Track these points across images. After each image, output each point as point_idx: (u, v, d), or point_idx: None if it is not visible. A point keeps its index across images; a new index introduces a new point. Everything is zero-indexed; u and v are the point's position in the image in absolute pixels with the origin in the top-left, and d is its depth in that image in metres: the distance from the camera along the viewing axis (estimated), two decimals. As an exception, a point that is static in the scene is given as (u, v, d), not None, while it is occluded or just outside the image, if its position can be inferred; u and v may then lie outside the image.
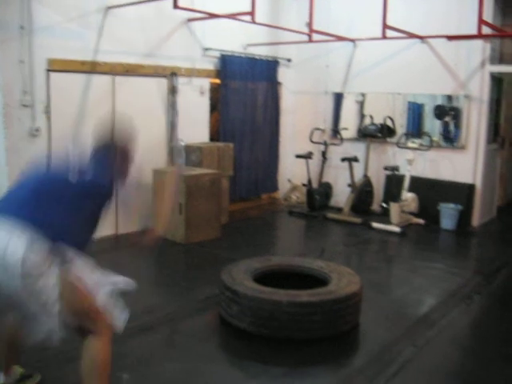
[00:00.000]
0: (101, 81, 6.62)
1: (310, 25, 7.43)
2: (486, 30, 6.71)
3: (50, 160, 3.08)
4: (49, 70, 6.07)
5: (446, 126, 7.99)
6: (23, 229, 2.58)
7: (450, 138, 7.96)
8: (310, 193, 8.59)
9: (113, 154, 3.03)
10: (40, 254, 2.61)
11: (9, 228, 2.58)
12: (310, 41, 7.76)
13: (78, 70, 6.32)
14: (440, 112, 8.00)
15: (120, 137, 3.11)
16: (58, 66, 6.12)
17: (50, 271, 2.65)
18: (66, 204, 2.78)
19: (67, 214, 2.78)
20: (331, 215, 8.25)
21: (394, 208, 7.62)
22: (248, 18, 6.62)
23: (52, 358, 3.60)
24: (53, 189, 2.80)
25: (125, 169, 3.11)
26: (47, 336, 2.68)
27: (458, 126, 7.86)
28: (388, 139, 8.45)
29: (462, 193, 7.79)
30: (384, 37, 6.94)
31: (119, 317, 3.01)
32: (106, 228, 6.74)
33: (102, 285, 2.95)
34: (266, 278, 4.53)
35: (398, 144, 8.05)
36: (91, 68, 6.47)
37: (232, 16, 6.91)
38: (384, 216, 7.86)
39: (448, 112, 7.92)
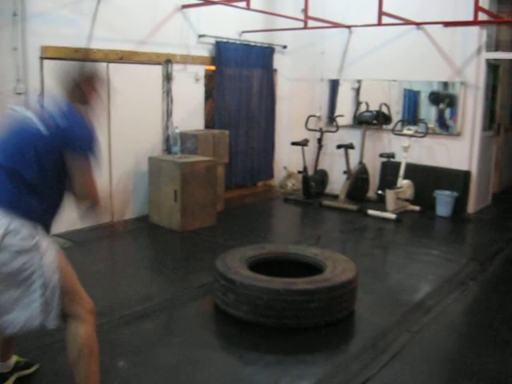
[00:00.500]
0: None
1: (305, 11, 7.40)
2: (482, 17, 6.70)
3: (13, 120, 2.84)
4: (42, 58, 6.02)
5: (441, 112, 7.99)
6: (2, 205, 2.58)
7: (445, 125, 7.96)
8: (306, 180, 8.59)
9: (79, 90, 2.86)
10: (23, 229, 2.59)
11: None
12: (306, 27, 7.74)
13: (71, 58, 6.27)
14: (435, 98, 8.00)
15: (83, 72, 2.92)
16: (51, 54, 6.07)
17: (35, 247, 2.62)
18: (40, 164, 2.65)
19: (44, 178, 2.67)
20: (327, 202, 8.26)
21: (389, 195, 7.62)
22: (243, 4, 6.60)
23: (49, 346, 3.61)
24: (25, 151, 2.65)
25: (91, 103, 2.92)
26: (28, 323, 2.64)
27: (453, 112, 7.85)
28: (384, 126, 8.45)
29: (457, 180, 7.80)
30: (380, 23, 6.92)
31: None
32: (100, 216, 6.74)
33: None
34: (261, 265, 4.54)
35: (393, 131, 8.05)
36: (85, 55, 6.42)
37: (227, 2, 6.88)
38: (380, 203, 7.88)
39: (443, 98, 7.92)
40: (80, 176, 2.72)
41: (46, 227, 2.78)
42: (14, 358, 3.23)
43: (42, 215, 2.72)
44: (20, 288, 2.61)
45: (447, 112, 7.93)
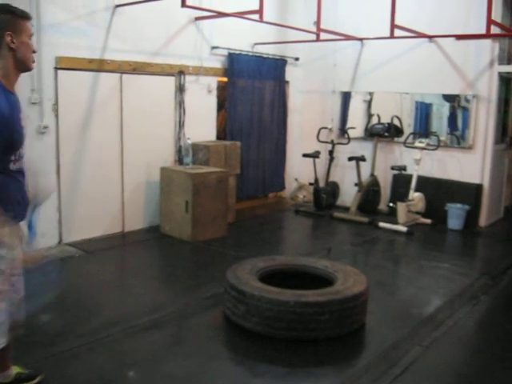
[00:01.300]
0: (108, 79, 6.63)
1: (317, 24, 7.42)
2: (494, 30, 6.69)
3: None
4: (57, 68, 6.08)
5: (453, 110, 7.97)
6: None
7: (456, 127, 7.95)
8: (317, 192, 8.58)
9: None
10: None
11: None
12: (318, 40, 7.75)
13: (85, 68, 6.33)
14: (449, 97, 7.99)
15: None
16: (65, 64, 6.14)
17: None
18: None
19: None
20: (338, 214, 8.24)
21: (400, 208, 7.60)
22: (256, 16, 6.62)
23: (57, 356, 3.62)
24: None
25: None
26: None
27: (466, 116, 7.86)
28: (395, 139, 8.44)
29: (469, 193, 7.76)
30: (392, 36, 6.92)
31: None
32: (112, 226, 6.79)
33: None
34: (271, 277, 4.53)
35: (405, 143, 8.04)
36: (99, 66, 6.48)
37: (240, 14, 6.91)
38: (391, 216, 7.85)
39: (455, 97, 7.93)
40: None
41: None
42: (15, 369, 3.16)
43: None
44: None
45: (459, 116, 7.90)
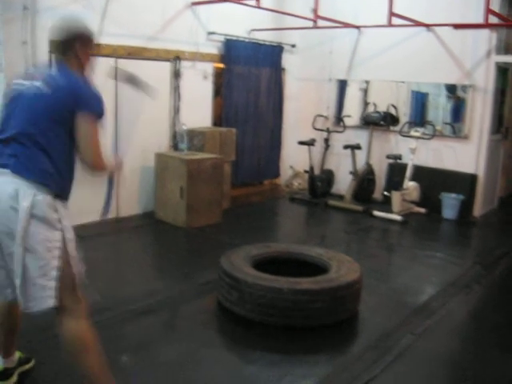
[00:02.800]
0: (103, 63, 6.56)
1: (315, 10, 7.38)
2: (492, 20, 6.66)
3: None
4: (51, 52, 6.03)
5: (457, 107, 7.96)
6: (24, 178, 2.59)
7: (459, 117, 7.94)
8: (312, 179, 8.58)
9: (74, 55, 2.89)
10: (47, 199, 2.61)
11: (11, 179, 2.59)
12: (315, 27, 7.71)
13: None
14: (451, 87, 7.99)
15: (73, 27, 2.95)
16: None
17: (58, 221, 2.65)
18: (51, 127, 2.67)
19: (56, 143, 2.69)
20: (333, 202, 8.25)
21: (395, 196, 7.61)
22: (253, 2, 6.60)
23: (48, 340, 3.61)
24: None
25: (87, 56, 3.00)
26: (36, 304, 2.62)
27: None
28: (391, 127, 8.43)
29: (464, 183, 7.78)
30: (390, 24, 6.89)
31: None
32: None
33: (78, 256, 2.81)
34: (265, 264, 4.53)
35: (400, 132, 8.04)
36: (94, 50, 6.42)
37: (237, 0, 6.87)
38: (385, 204, 7.87)
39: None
40: (86, 137, 2.71)
41: (65, 195, 2.78)
42: (18, 354, 3.20)
43: (59, 182, 2.71)
44: (44, 260, 2.60)
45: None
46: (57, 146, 2.69)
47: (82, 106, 2.69)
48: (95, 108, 2.75)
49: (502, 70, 7.99)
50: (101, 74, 6.44)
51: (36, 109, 2.67)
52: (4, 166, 2.62)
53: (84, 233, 6.19)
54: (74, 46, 2.88)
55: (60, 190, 2.73)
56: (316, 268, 4.56)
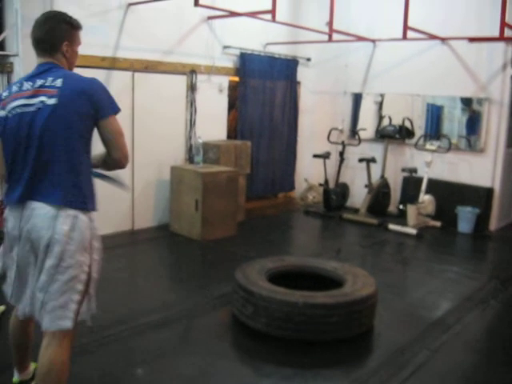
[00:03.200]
0: (121, 77, 6.65)
1: (330, 24, 7.40)
2: (508, 33, 6.65)
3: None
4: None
5: (472, 114, 7.93)
6: (61, 204, 2.57)
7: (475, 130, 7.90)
8: (327, 193, 8.57)
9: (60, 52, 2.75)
10: (85, 226, 2.63)
11: (49, 208, 2.58)
12: (330, 40, 7.73)
13: (98, 66, 6.35)
14: (467, 101, 7.96)
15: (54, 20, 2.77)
16: (78, 62, 6.09)
17: (87, 249, 2.65)
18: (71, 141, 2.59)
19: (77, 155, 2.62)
20: (347, 216, 8.23)
21: (410, 210, 7.58)
22: (268, 16, 6.61)
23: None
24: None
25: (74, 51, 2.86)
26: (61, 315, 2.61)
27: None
28: (406, 141, 8.41)
29: (480, 196, 7.73)
30: (405, 38, 6.90)
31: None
32: (122, 223, 6.81)
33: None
34: (280, 278, 4.53)
35: (416, 146, 8.01)
36: (111, 64, 6.51)
37: (252, 14, 6.91)
38: (401, 218, 7.83)
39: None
40: (117, 138, 2.69)
41: (96, 206, 2.77)
42: (33, 365, 3.19)
43: (90, 196, 2.71)
44: (70, 283, 2.60)
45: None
46: (81, 159, 2.66)
47: (105, 112, 2.65)
48: (115, 108, 2.72)
49: (518, 84, 7.95)
50: (118, 87, 6.58)
51: (49, 129, 2.57)
52: (39, 200, 2.60)
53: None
54: (61, 46, 2.76)
55: (93, 203, 2.72)
56: (331, 282, 4.55)
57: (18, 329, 2.99)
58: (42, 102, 2.57)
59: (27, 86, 2.66)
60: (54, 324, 2.60)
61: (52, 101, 2.56)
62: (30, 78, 2.69)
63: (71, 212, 2.59)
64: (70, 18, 2.82)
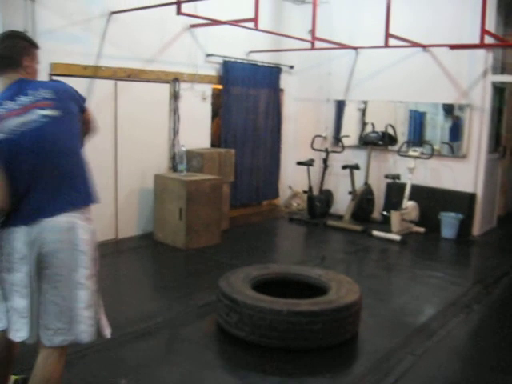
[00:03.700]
0: (103, 85, 6.63)
1: (312, 32, 7.44)
2: (488, 40, 6.73)
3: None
4: (51, 74, 6.07)
5: (456, 120, 7.98)
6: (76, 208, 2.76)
7: (457, 136, 7.96)
8: (311, 200, 8.59)
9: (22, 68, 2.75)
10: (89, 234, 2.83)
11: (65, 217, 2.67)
12: (313, 48, 7.76)
13: (80, 75, 6.33)
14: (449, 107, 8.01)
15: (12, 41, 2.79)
16: (60, 71, 6.12)
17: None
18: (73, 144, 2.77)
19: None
20: (332, 223, 8.25)
21: (394, 216, 7.61)
22: (251, 24, 6.63)
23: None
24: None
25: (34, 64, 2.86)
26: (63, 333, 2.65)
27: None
28: (389, 147, 8.46)
29: (462, 202, 7.79)
30: (386, 45, 6.95)
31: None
32: (105, 232, 6.76)
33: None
34: (265, 285, 4.52)
35: (399, 152, 8.06)
36: (93, 73, 6.48)
37: (235, 22, 6.93)
38: (384, 224, 7.86)
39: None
40: (92, 117, 3.04)
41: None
42: (12, 378, 3.12)
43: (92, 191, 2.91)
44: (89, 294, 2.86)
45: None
46: (83, 158, 2.82)
47: (82, 102, 2.90)
48: (84, 97, 2.97)
49: (499, 90, 8.04)
50: (101, 95, 6.55)
51: (59, 139, 2.67)
52: (56, 213, 2.66)
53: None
54: (23, 61, 2.77)
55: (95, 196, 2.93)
56: (315, 289, 4.54)
57: (2, 344, 2.93)
58: (43, 115, 2.62)
59: (11, 105, 2.60)
60: (83, 339, 2.74)
61: (53, 112, 2.65)
62: (10, 97, 2.64)
63: (85, 217, 2.85)
64: (28, 36, 2.96)
